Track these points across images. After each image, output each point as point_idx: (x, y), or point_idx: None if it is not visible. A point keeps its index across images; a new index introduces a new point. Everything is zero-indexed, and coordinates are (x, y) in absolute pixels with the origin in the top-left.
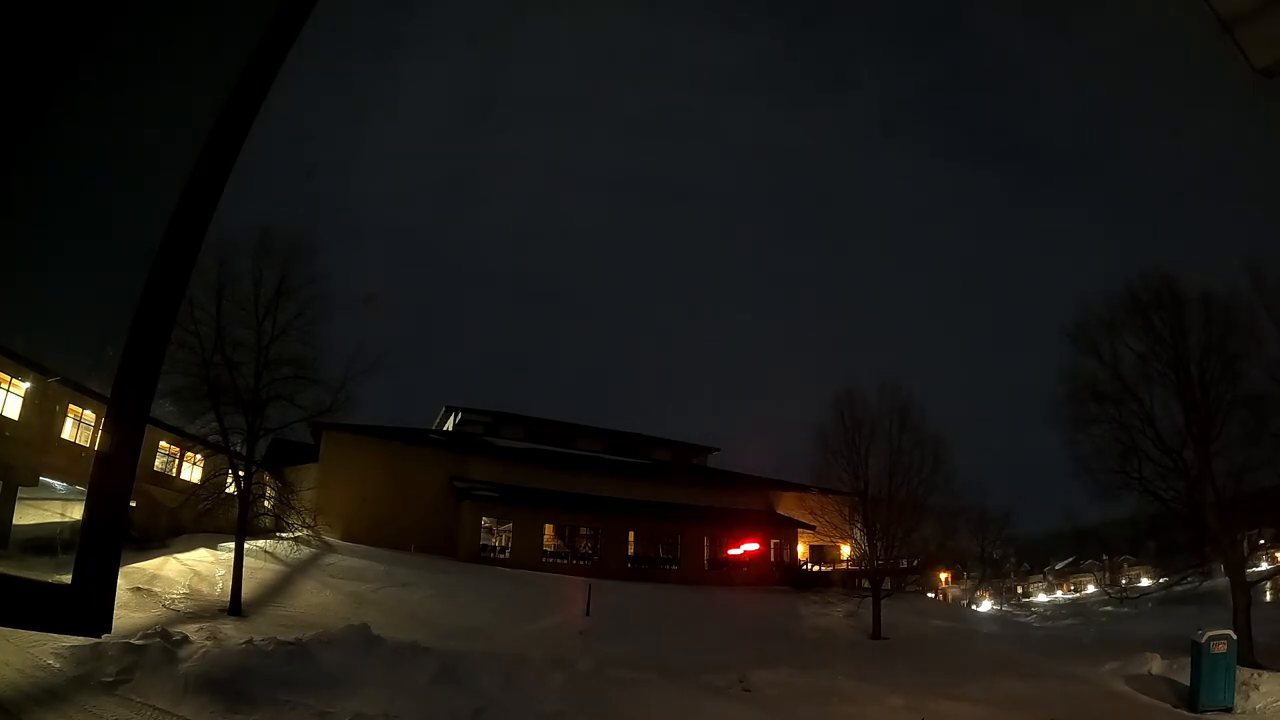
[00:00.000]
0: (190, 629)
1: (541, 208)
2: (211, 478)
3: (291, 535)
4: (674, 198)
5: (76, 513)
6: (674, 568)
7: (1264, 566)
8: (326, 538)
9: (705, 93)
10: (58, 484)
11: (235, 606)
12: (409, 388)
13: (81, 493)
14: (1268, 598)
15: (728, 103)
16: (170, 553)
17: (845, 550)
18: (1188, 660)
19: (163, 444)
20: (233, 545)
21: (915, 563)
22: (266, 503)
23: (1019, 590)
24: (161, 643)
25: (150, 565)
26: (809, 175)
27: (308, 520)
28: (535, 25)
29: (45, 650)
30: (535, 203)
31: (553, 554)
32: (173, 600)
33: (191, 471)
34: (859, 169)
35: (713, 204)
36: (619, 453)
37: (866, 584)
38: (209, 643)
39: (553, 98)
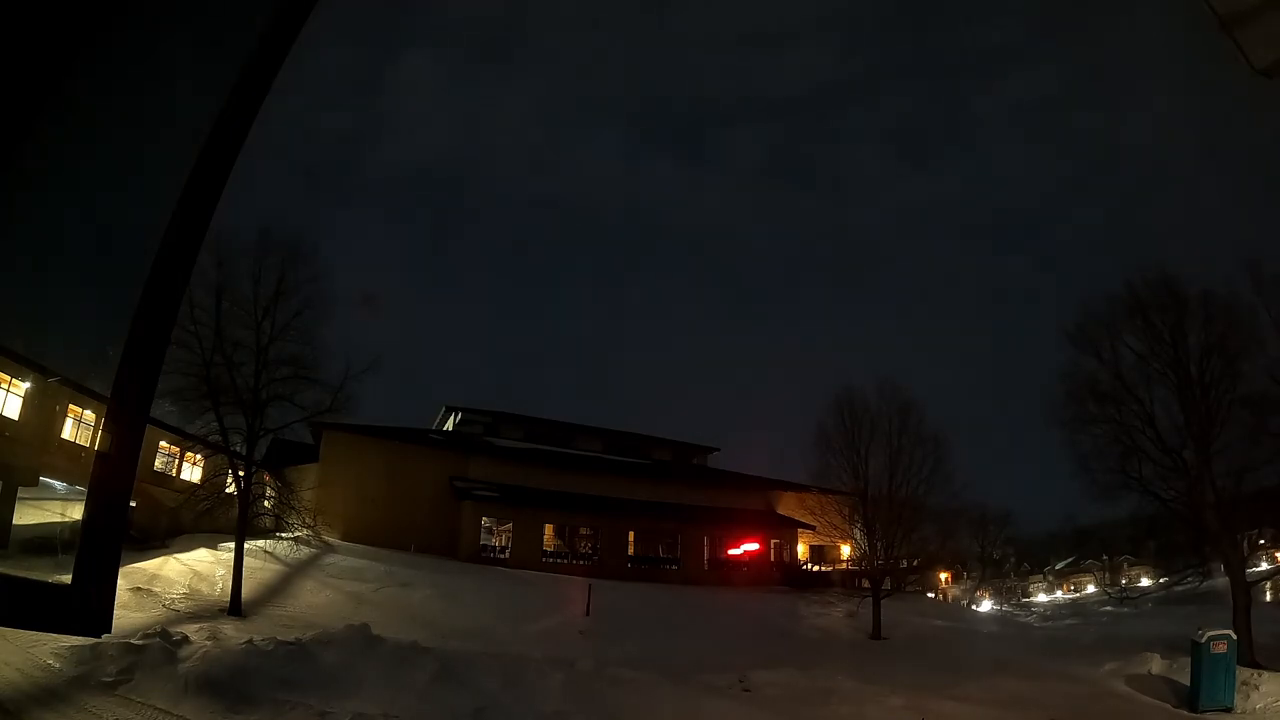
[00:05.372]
0: (190, 629)
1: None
2: (211, 478)
3: (291, 535)
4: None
5: (76, 513)
6: (674, 568)
7: (1264, 566)
8: (326, 538)
9: None
10: (58, 484)
11: (235, 606)
12: (409, 388)
13: (81, 493)
14: (1268, 598)
15: None
16: (170, 553)
17: (845, 550)
18: (1188, 660)
19: (163, 444)
20: (233, 545)
21: (915, 563)
22: (266, 503)
23: (1019, 590)
24: (161, 643)
25: (150, 565)
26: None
27: (308, 520)
28: None
29: (45, 650)
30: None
31: (553, 554)
32: (173, 600)
33: (191, 471)
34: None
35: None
36: (619, 453)
37: (866, 584)
38: (209, 643)
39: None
